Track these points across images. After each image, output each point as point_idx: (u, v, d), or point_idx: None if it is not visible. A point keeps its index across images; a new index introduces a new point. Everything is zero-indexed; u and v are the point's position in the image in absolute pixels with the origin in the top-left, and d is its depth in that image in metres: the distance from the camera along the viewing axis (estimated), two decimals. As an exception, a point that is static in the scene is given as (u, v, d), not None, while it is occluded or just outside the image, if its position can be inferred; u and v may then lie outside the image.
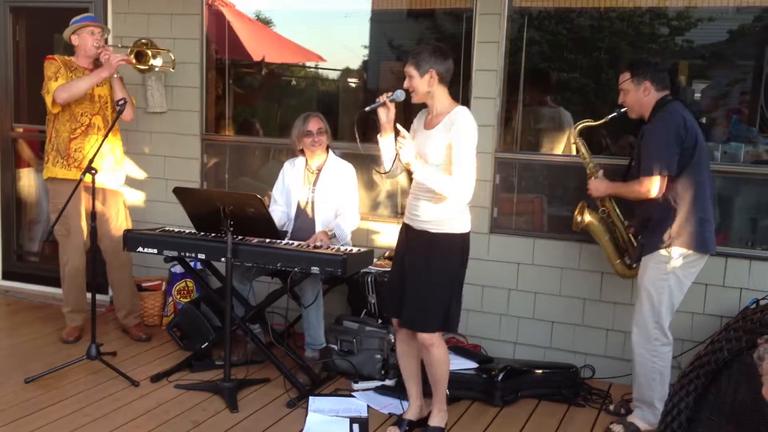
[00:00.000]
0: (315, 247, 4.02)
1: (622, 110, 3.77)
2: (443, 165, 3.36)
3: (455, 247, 3.43)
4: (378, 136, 3.54)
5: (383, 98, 3.44)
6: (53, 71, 4.49)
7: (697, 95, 4.57)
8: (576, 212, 4.00)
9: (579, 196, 4.62)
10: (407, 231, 3.53)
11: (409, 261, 3.47)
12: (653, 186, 3.52)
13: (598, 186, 3.87)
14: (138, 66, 4.85)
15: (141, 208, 5.43)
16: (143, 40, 4.88)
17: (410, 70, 3.39)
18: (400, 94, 3.44)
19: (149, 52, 4.83)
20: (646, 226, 3.67)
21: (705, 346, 2.77)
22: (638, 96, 3.65)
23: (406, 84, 3.42)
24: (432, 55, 3.37)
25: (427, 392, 3.70)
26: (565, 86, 4.83)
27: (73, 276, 4.70)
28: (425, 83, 3.38)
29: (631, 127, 4.18)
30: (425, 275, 3.41)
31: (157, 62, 4.89)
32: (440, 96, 3.43)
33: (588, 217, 3.96)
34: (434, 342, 3.47)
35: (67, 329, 4.78)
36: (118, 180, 4.79)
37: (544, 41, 4.82)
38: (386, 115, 3.47)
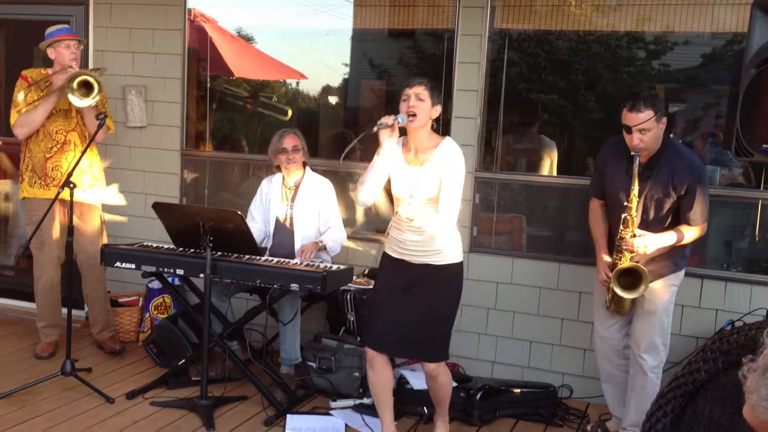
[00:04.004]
0: (295, 263, 4.02)
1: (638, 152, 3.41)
2: (436, 198, 3.36)
3: (457, 275, 3.47)
4: (376, 158, 3.39)
5: (390, 120, 3.29)
6: (21, 97, 4.46)
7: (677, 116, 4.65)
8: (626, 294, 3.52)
9: (558, 216, 4.68)
10: (401, 265, 3.45)
11: (413, 296, 3.42)
12: (705, 229, 3.55)
13: (649, 242, 3.43)
14: (75, 91, 4.33)
15: (120, 223, 5.38)
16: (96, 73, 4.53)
17: (424, 93, 3.32)
18: (403, 118, 3.32)
19: (96, 87, 4.37)
20: (660, 253, 3.56)
21: (682, 367, 2.80)
22: (658, 133, 3.43)
23: (413, 103, 3.31)
24: (440, 94, 3.42)
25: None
26: (543, 107, 4.89)
27: (46, 290, 4.64)
28: (429, 114, 3.35)
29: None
30: (433, 308, 3.41)
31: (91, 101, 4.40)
32: (430, 131, 3.42)
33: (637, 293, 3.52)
34: (441, 370, 3.52)
35: (41, 344, 4.71)
36: (96, 196, 4.72)
37: (524, 63, 4.88)
38: (389, 138, 3.32)
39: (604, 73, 4.69)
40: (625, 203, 3.44)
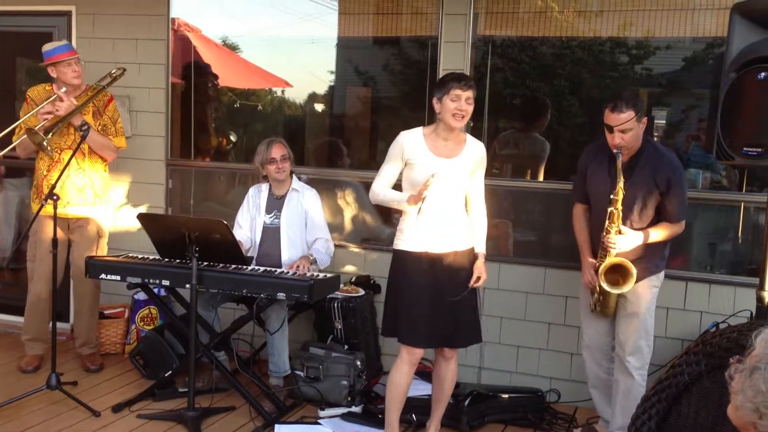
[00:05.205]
0: (282, 272, 4.01)
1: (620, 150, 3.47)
2: (463, 189, 3.57)
3: (473, 260, 3.62)
4: (407, 204, 3.44)
5: (429, 187, 3.33)
6: (21, 115, 4.48)
7: (660, 121, 4.67)
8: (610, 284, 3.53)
9: (544, 221, 4.69)
10: (424, 257, 3.49)
11: (449, 282, 3.51)
12: (683, 226, 3.63)
13: (630, 240, 3.50)
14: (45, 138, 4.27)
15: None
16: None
17: (472, 98, 3.46)
18: (438, 175, 3.40)
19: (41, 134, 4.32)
20: (641, 255, 3.60)
21: (666, 369, 2.82)
22: (639, 132, 3.50)
23: (464, 105, 3.41)
24: None
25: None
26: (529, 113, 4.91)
27: (34, 303, 4.60)
28: (470, 116, 3.52)
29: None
30: (468, 291, 3.55)
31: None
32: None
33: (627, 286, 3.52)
34: (456, 355, 3.68)
35: (26, 358, 4.67)
36: (95, 212, 4.65)
37: (508, 68, 4.90)
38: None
39: (587, 78, 4.72)
40: (611, 196, 3.47)
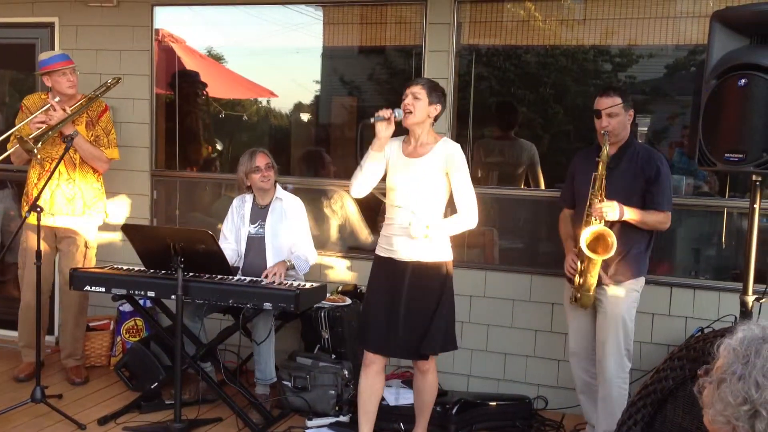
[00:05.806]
0: (268, 281, 4.00)
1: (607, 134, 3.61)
2: (438, 191, 3.52)
3: (446, 272, 3.56)
4: (371, 149, 3.55)
5: (387, 113, 3.44)
6: (16, 123, 4.49)
7: (644, 128, 4.71)
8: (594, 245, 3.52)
9: (529, 228, 4.71)
10: (391, 263, 3.53)
11: (407, 292, 3.49)
12: (669, 219, 3.67)
13: (614, 207, 3.53)
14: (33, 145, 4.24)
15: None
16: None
17: (421, 92, 3.47)
18: (399, 113, 3.48)
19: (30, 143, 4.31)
20: (622, 255, 3.63)
21: (651, 375, 2.83)
22: (625, 122, 3.66)
23: (408, 101, 3.47)
24: (443, 94, 3.57)
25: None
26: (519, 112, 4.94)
27: (24, 312, 4.58)
28: (426, 111, 3.51)
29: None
30: (428, 303, 3.50)
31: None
32: (429, 128, 3.58)
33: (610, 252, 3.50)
34: (432, 367, 3.62)
35: (21, 366, 4.65)
36: (83, 223, 4.62)
37: (492, 77, 4.92)
38: (386, 130, 3.48)
39: (571, 86, 4.75)
40: (596, 159, 3.55)
